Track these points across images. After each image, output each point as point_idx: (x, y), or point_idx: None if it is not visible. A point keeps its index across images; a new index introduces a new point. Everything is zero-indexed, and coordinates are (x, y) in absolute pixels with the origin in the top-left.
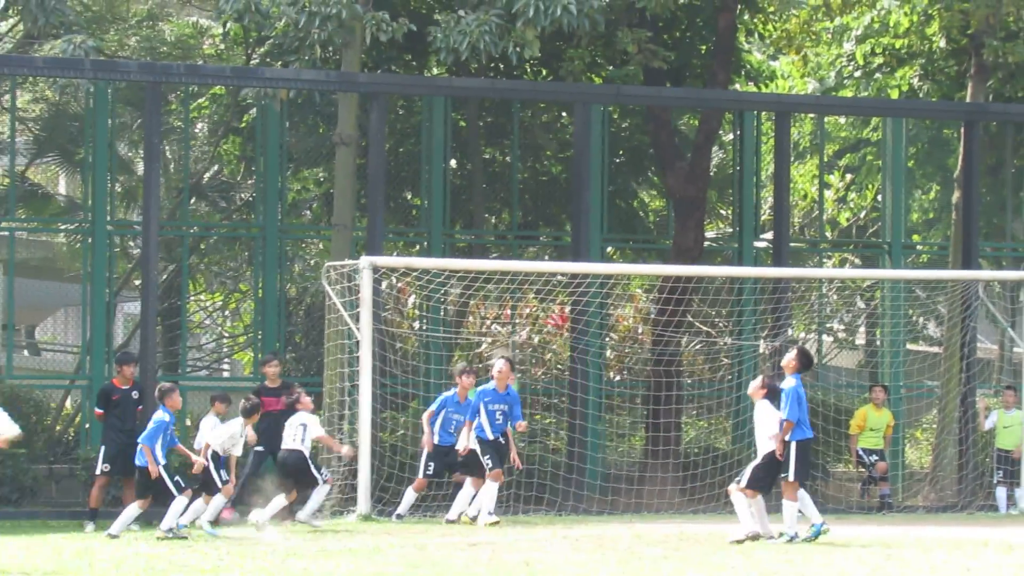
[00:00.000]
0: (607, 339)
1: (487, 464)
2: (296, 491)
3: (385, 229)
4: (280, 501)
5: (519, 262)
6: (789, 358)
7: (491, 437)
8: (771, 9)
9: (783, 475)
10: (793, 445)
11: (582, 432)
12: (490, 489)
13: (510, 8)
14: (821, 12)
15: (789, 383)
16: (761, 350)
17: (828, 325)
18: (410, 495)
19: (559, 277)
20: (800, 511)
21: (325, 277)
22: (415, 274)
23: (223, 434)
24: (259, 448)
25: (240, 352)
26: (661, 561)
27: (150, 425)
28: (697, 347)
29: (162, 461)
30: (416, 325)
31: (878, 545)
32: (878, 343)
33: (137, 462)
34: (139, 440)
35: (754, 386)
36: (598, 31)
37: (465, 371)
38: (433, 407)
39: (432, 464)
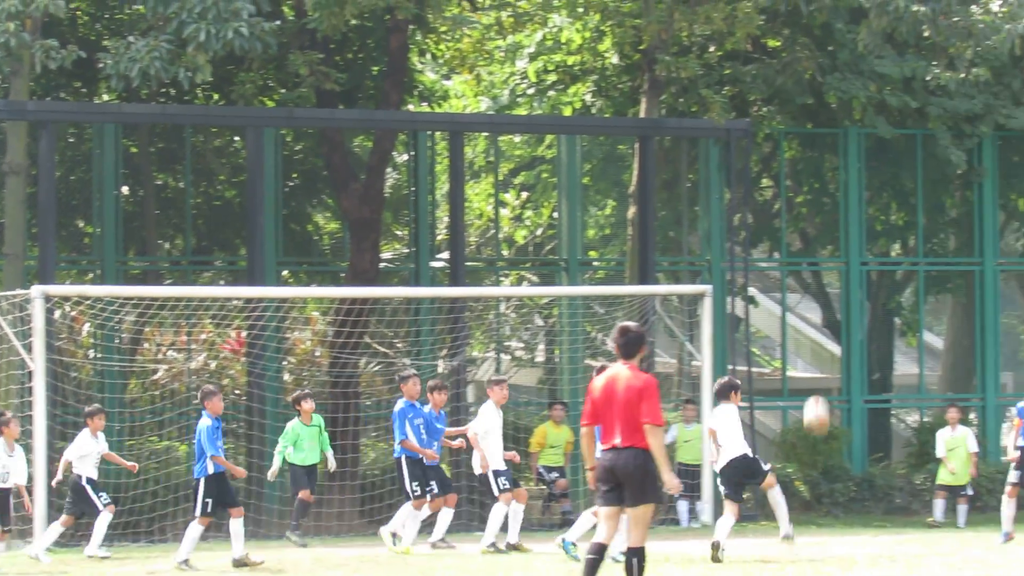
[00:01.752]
0: (285, 362)
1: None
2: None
3: (57, 258)
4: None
5: (194, 288)
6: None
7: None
8: (443, 29)
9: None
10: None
11: (260, 456)
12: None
13: (180, 33)
14: (494, 31)
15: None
16: (440, 369)
17: (507, 343)
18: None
19: (235, 302)
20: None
21: None
22: (88, 302)
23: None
24: None
25: None
26: None
27: (202, 436)
28: (375, 368)
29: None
30: (91, 354)
31: (562, 560)
32: (557, 360)
33: (211, 471)
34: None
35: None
36: (270, 54)
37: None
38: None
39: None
